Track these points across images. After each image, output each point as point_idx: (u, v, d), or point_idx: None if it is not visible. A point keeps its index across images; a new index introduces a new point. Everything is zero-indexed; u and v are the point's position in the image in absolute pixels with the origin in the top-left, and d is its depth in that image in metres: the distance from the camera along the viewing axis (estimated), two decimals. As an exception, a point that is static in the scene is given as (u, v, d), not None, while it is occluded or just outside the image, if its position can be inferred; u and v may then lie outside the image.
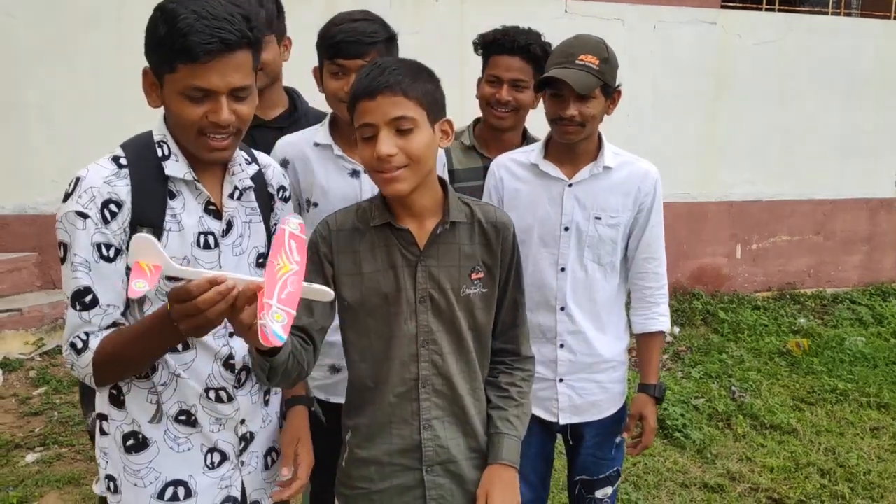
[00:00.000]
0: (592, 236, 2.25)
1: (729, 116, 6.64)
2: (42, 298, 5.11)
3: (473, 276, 1.79)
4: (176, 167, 1.61)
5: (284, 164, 2.25)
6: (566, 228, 2.26)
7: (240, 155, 1.72)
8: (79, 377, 1.61)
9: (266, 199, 1.80)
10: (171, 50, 1.48)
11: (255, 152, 1.83)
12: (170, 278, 1.53)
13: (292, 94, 2.71)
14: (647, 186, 2.27)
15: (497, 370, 1.90)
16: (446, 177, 2.38)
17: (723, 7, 6.59)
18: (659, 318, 2.35)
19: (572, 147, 2.24)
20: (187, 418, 1.68)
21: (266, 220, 1.78)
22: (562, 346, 2.30)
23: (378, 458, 1.79)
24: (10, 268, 5.12)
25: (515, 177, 2.30)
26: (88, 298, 1.54)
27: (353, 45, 2.11)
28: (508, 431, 1.82)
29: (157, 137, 1.62)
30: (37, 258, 5.26)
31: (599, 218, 2.25)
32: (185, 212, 1.62)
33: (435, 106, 1.70)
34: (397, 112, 1.63)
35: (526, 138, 2.71)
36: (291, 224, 1.44)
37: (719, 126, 6.63)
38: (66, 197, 1.55)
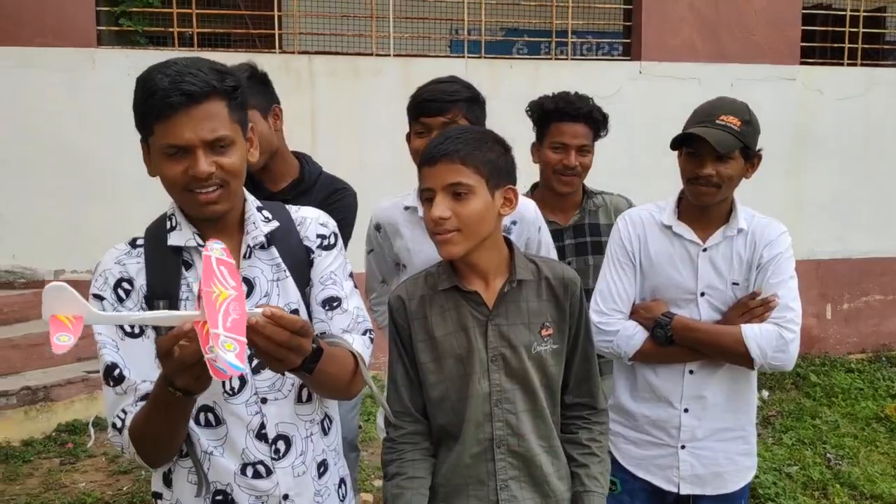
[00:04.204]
0: (729, 302, 2.20)
1: (813, 173, 6.48)
2: (133, 360, 5.29)
3: (543, 332, 1.80)
4: (178, 236, 1.59)
5: (377, 228, 2.34)
6: (702, 294, 2.22)
7: (254, 213, 1.65)
8: (132, 459, 1.56)
9: (301, 254, 1.69)
10: (145, 113, 1.48)
11: (294, 207, 1.76)
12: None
13: (302, 162, 2.68)
14: (764, 239, 2.20)
15: (575, 426, 1.88)
16: (547, 233, 2.42)
17: (802, 63, 6.50)
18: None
19: (706, 209, 2.20)
20: (224, 498, 1.61)
21: (302, 275, 1.68)
22: (686, 410, 2.23)
23: None
24: (103, 330, 5.34)
25: (648, 235, 2.26)
26: (116, 373, 1.52)
27: (434, 103, 2.21)
28: (596, 489, 1.82)
29: (168, 212, 1.63)
30: (129, 321, 5.47)
31: (737, 283, 2.20)
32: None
33: (497, 174, 1.75)
34: (453, 178, 1.70)
35: (586, 192, 2.77)
36: (215, 250, 1.32)
37: (803, 183, 6.47)
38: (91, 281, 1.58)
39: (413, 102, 2.28)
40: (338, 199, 2.56)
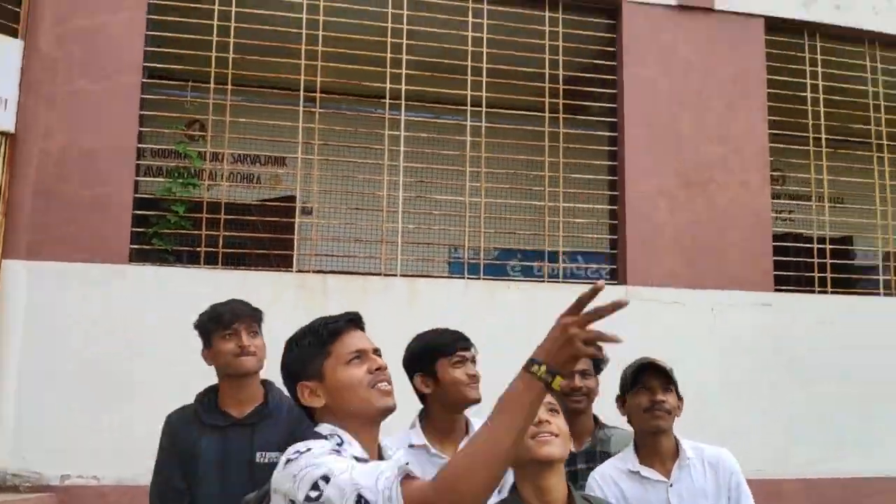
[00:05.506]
0: None
1: (796, 392, 6.71)
2: (128, 570, 5.24)
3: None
4: (353, 449, 1.82)
5: None
6: None
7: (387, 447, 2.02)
8: None
9: None
10: (322, 343, 1.91)
11: (384, 441, 2.04)
12: None
13: (266, 388, 2.90)
14: (726, 469, 2.57)
15: None
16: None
17: (776, 290, 6.95)
18: None
19: (658, 448, 2.59)
20: None
21: None
22: None
23: None
24: (102, 538, 5.33)
25: (622, 485, 2.57)
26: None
27: (467, 341, 2.65)
28: None
29: (326, 432, 1.85)
30: (128, 528, 5.47)
31: None
32: None
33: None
34: (552, 399, 2.08)
35: (597, 423, 3.12)
36: None
37: (787, 402, 6.69)
38: None
39: (440, 344, 2.63)
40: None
